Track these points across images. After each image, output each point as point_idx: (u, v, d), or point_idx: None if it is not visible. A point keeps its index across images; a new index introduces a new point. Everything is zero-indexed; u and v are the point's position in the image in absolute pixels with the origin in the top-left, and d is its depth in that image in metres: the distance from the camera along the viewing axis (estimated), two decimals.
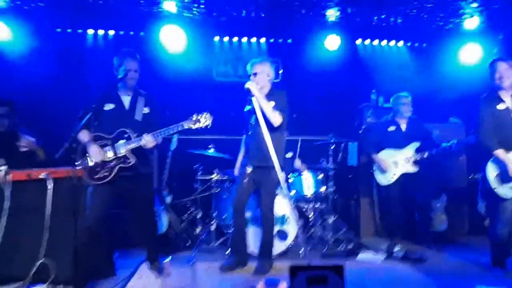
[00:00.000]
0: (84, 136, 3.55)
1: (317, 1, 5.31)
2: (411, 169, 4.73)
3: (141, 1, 5.13)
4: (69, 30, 5.67)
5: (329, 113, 5.78)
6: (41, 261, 3.28)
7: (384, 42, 6.30)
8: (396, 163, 4.77)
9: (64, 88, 5.17)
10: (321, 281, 1.87)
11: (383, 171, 4.78)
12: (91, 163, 3.51)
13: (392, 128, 4.89)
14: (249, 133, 4.10)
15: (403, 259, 4.43)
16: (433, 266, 4.22)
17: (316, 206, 4.97)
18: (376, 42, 6.29)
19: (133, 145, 3.59)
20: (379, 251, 4.67)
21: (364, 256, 4.56)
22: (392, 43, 6.31)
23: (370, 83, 5.97)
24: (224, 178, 5.04)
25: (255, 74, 4.02)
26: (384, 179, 4.78)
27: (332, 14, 5.56)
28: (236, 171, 4.35)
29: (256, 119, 3.78)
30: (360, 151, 5.59)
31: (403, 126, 4.88)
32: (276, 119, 3.90)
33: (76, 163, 3.43)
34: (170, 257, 4.07)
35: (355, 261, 4.42)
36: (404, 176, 4.73)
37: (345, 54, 6.03)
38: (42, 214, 3.29)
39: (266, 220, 4.09)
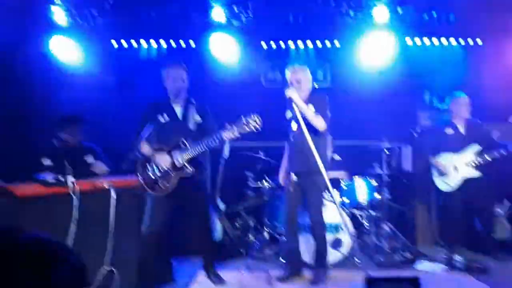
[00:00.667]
0: (145, 149, 3.67)
1: (365, 2, 5.22)
2: (474, 173, 4.52)
3: (191, 13, 5.24)
4: (125, 45, 5.88)
5: (381, 116, 5.61)
6: (105, 268, 3.40)
7: (436, 41, 6.08)
8: (456, 168, 4.58)
9: (123, 99, 5.36)
10: None
11: (443, 176, 4.60)
12: (151, 175, 3.62)
13: (450, 131, 4.71)
14: (291, 140, 4.04)
15: (465, 269, 4.24)
16: (497, 278, 4.01)
17: (371, 213, 4.85)
18: (427, 41, 6.07)
19: (190, 155, 3.66)
20: (438, 260, 4.49)
21: (422, 265, 4.41)
22: (445, 41, 6.07)
23: (422, 83, 5.78)
24: (276, 186, 5.03)
25: (297, 80, 3.97)
26: (445, 184, 4.60)
27: (381, 14, 5.43)
28: (281, 180, 4.30)
29: (298, 126, 3.75)
30: (415, 155, 5.41)
31: (462, 129, 4.69)
32: (320, 123, 3.86)
33: (138, 175, 3.55)
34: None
35: (413, 271, 4.27)
36: (466, 181, 4.53)
37: (396, 54, 5.86)
38: (106, 222, 3.43)
39: (316, 228, 4.04)
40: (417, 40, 6.04)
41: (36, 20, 5.03)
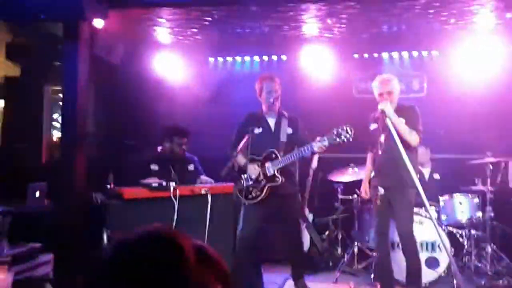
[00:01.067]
0: (240, 159, 3.85)
1: (467, 9, 4.92)
2: None
3: (284, 27, 5.37)
4: (220, 59, 6.23)
5: (485, 127, 5.21)
6: None
7: None
8: None
9: (220, 112, 5.66)
10: None
11: None
12: (246, 183, 3.78)
13: None
14: (379, 152, 3.91)
15: None
16: None
17: (472, 232, 4.52)
18: None
19: (281, 165, 3.76)
20: None
21: None
22: None
23: None
24: (366, 198, 4.92)
25: (389, 93, 3.82)
26: None
27: (485, 21, 5.08)
28: (364, 193, 4.16)
29: (389, 138, 3.62)
30: None
31: None
32: (415, 139, 3.71)
33: (234, 184, 3.72)
34: None
35: None
36: None
37: (501, 62, 5.43)
38: (203, 226, 3.64)
39: (407, 244, 3.85)
40: None
41: (142, 39, 5.54)
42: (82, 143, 3.66)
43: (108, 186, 3.53)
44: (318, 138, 3.59)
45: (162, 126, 4.52)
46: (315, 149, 3.59)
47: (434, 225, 3.48)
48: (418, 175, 5.00)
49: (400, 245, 4.05)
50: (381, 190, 3.84)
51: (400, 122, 3.70)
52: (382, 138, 3.81)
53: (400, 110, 3.82)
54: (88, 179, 3.93)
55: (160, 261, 0.72)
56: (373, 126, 3.98)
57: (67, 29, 3.67)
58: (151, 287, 0.70)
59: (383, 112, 3.65)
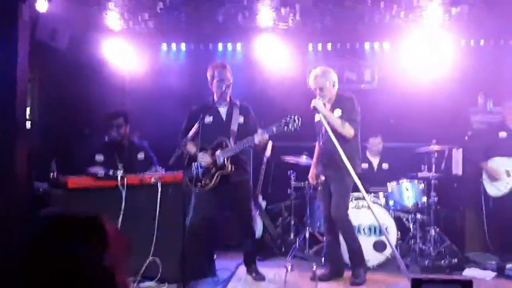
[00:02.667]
0: (190, 148, 3.81)
1: (416, 3, 5.07)
2: None
3: (239, 16, 5.33)
4: (173, 46, 6.11)
5: (431, 118, 5.43)
6: (150, 259, 3.55)
7: (492, 42, 5.80)
8: (508, 173, 4.36)
9: (171, 100, 5.56)
10: None
11: (494, 181, 4.40)
12: (196, 171, 3.75)
13: (503, 134, 4.49)
14: (320, 143, 4.07)
15: None
16: None
17: (417, 217, 4.71)
18: (482, 42, 5.82)
19: (231, 153, 3.76)
20: (487, 267, 4.29)
21: (470, 272, 4.23)
22: (502, 42, 5.78)
23: (477, 85, 5.53)
24: (318, 185, 5.01)
25: (320, 88, 3.94)
26: (495, 189, 4.40)
27: (433, 15, 5.26)
28: (311, 180, 4.34)
29: (326, 130, 3.74)
30: (465, 159, 5.19)
31: None
32: (348, 131, 3.84)
33: (184, 172, 3.68)
34: None
35: (460, 277, 4.10)
36: None
37: (449, 56, 5.65)
38: (153, 215, 3.59)
39: (343, 227, 4.00)
40: (472, 41, 5.81)
41: (91, 25, 5.33)
42: (22, 131, 3.49)
43: (51, 175, 3.40)
44: (259, 131, 3.67)
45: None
46: (256, 141, 3.66)
47: (372, 212, 3.61)
48: (368, 165, 5.20)
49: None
50: (322, 178, 4.03)
51: (332, 116, 3.84)
52: (323, 129, 3.92)
53: (338, 102, 3.95)
54: (30, 168, 3.76)
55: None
56: (316, 117, 4.08)
57: (3, 11, 3.46)
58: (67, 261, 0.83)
59: (314, 108, 3.76)
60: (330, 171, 3.96)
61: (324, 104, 3.91)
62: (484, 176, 4.51)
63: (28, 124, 4.32)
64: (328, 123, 3.76)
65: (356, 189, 3.79)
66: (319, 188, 4.10)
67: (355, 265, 4.00)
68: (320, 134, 4.06)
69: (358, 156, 4.02)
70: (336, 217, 3.96)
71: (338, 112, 3.91)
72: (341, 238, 4.09)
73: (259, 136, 3.63)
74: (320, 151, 4.13)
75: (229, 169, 3.76)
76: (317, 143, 4.24)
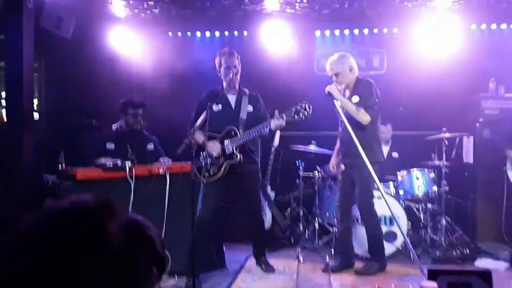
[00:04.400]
0: (199, 137, 3.75)
1: None
2: None
3: (245, 1, 5.23)
4: (179, 34, 6.02)
5: (441, 105, 5.32)
6: None
7: (504, 26, 5.67)
8: None
9: (176, 87, 5.50)
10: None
11: None
12: (205, 161, 3.69)
13: None
14: (339, 130, 4.01)
15: None
16: None
17: (428, 206, 4.66)
18: (494, 26, 5.68)
19: (241, 142, 3.70)
20: (500, 257, 4.24)
21: (483, 262, 4.18)
22: None
23: (488, 71, 5.41)
24: (326, 175, 4.97)
25: (336, 74, 3.86)
26: None
27: None
28: (331, 167, 4.31)
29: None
30: (485, 147, 5.06)
31: None
32: (363, 118, 3.76)
33: (192, 162, 3.62)
34: None
35: (472, 268, 4.06)
36: None
37: (459, 41, 5.53)
38: (161, 207, 3.55)
39: (367, 217, 3.97)
40: (483, 25, 5.67)
41: (96, 12, 5.25)
42: (29, 121, 3.45)
43: (60, 167, 3.36)
44: (276, 116, 3.55)
45: (118, 103, 4.32)
46: (272, 127, 3.57)
47: (385, 200, 3.53)
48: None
49: (360, 219, 4.15)
50: (342, 167, 3.97)
51: (347, 102, 3.76)
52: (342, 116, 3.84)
53: (356, 87, 3.87)
54: (39, 160, 3.73)
55: (75, 238, 0.67)
56: (337, 104, 3.99)
57: (9, 1, 3.40)
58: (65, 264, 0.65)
59: (329, 94, 3.67)
60: (349, 159, 3.91)
61: (344, 91, 3.84)
62: (509, 165, 4.43)
63: (35, 115, 4.28)
64: (343, 109, 3.67)
65: None
66: (339, 177, 4.02)
67: (373, 258, 3.95)
68: (339, 121, 3.99)
69: (376, 143, 3.93)
70: (361, 206, 3.94)
71: (355, 98, 3.82)
72: (355, 228, 4.06)
73: (276, 121, 3.53)
74: (340, 139, 4.08)
75: (238, 158, 3.70)
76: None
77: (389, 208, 3.48)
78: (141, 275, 0.72)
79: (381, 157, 3.99)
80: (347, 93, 3.91)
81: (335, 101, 3.69)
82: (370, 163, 3.38)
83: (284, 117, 3.52)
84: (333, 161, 4.29)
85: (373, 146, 3.82)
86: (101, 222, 0.70)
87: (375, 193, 4.04)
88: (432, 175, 4.65)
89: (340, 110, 3.61)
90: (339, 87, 3.83)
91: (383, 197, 3.51)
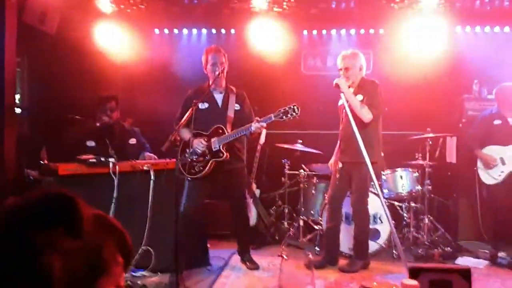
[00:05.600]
0: (185, 134, 3.74)
1: None
2: None
3: (233, 0, 5.23)
4: (166, 31, 5.99)
5: (426, 106, 5.40)
6: (143, 248, 3.51)
7: (487, 29, 5.76)
8: (503, 160, 4.35)
9: (162, 84, 5.47)
10: (445, 285, 1.71)
11: (489, 168, 4.40)
12: (190, 158, 3.69)
13: (498, 122, 4.47)
14: (340, 128, 4.02)
15: (509, 266, 4.05)
16: None
17: (411, 205, 4.71)
18: (478, 28, 5.77)
19: (228, 140, 3.70)
20: (480, 256, 4.32)
21: (463, 260, 4.25)
22: (497, 29, 5.74)
23: (472, 73, 5.50)
24: (312, 173, 5.00)
25: (346, 69, 3.90)
26: (490, 177, 4.39)
27: (429, 1, 5.19)
28: (330, 166, 4.28)
29: (347, 114, 3.68)
30: (460, 146, 5.18)
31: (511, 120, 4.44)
32: (366, 115, 3.77)
33: (178, 159, 3.61)
34: None
35: (455, 265, 4.12)
36: None
37: (444, 43, 5.61)
38: (145, 203, 3.53)
39: (357, 218, 4.00)
40: (468, 27, 5.76)
41: (82, 8, 5.19)
42: (11, 117, 3.40)
43: (42, 162, 3.32)
44: (256, 119, 3.63)
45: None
46: (253, 129, 3.62)
47: (381, 201, 3.55)
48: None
49: (347, 218, 4.21)
50: (340, 164, 3.97)
51: (352, 97, 3.77)
52: (344, 114, 3.88)
53: (361, 86, 3.90)
54: (20, 155, 3.68)
55: (53, 214, 0.73)
56: (340, 102, 4.03)
57: None
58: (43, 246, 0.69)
59: (337, 86, 3.70)
60: (347, 157, 3.92)
61: (348, 87, 3.87)
62: (479, 164, 4.51)
63: (17, 110, 4.21)
64: (348, 104, 3.64)
65: None
66: (337, 175, 4.00)
67: (356, 256, 3.99)
68: (341, 118, 4.00)
69: (377, 144, 3.94)
70: (355, 204, 3.95)
71: (359, 97, 3.84)
72: (342, 226, 4.09)
73: (257, 124, 3.58)
74: (340, 136, 4.05)
75: (224, 156, 3.71)
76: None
77: (383, 207, 3.50)
78: (107, 259, 0.76)
79: (380, 158, 4.01)
80: (351, 90, 3.92)
81: (341, 94, 3.70)
82: (370, 162, 3.40)
83: (273, 118, 3.57)
84: (333, 159, 4.24)
85: (373, 146, 3.83)
86: (77, 205, 0.75)
87: None
88: (416, 174, 4.71)
89: (345, 104, 3.59)
90: (347, 82, 3.84)
91: (380, 197, 3.51)
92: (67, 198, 0.75)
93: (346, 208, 4.23)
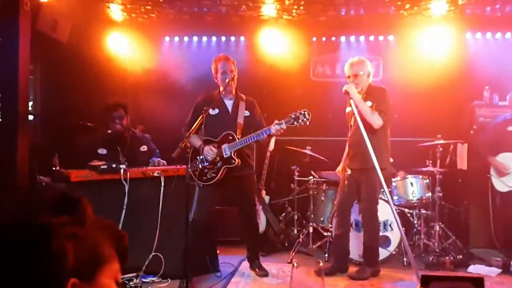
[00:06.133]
0: (195, 141, 3.75)
1: None
2: None
3: (242, 7, 5.27)
4: (176, 39, 6.05)
5: (436, 112, 5.37)
6: (153, 254, 3.52)
7: (498, 35, 5.73)
8: None
9: (172, 91, 5.51)
10: None
11: (501, 176, 4.35)
12: (202, 165, 3.70)
13: (511, 129, 4.43)
14: (349, 135, 4.01)
15: None
16: None
17: (421, 212, 4.68)
18: (489, 35, 5.74)
19: (239, 146, 3.71)
20: (492, 264, 4.26)
21: (475, 268, 4.20)
22: (508, 35, 5.71)
23: (482, 79, 5.47)
24: (321, 180, 4.99)
25: (355, 76, 3.91)
26: (503, 185, 4.35)
27: (439, 7, 5.19)
28: (338, 172, 4.28)
29: (356, 121, 3.68)
30: (471, 153, 5.13)
31: None
32: (376, 121, 3.77)
33: (189, 166, 3.62)
34: None
35: (466, 274, 4.07)
36: None
37: (454, 49, 5.59)
38: (156, 209, 3.55)
39: (367, 225, 3.97)
40: (478, 34, 5.73)
41: (93, 16, 5.26)
42: (24, 123, 3.45)
43: (54, 169, 3.36)
44: (276, 121, 3.59)
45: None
46: (273, 131, 3.59)
47: (391, 207, 3.53)
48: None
49: (357, 225, 4.19)
50: (348, 171, 3.95)
51: (363, 103, 3.76)
52: (352, 120, 3.88)
53: (369, 93, 3.90)
54: (33, 162, 3.73)
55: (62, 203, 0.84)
56: (348, 109, 4.04)
57: (4, 1, 3.41)
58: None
59: (346, 93, 3.71)
60: (356, 164, 3.90)
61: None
62: (492, 171, 4.47)
63: (30, 117, 4.27)
64: (358, 111, 3.64)
65: None
66: (345, 181, 3.98)
67: (366, 264, 3.96)
68: (349, 125, 3.99)
69: (386, 150, 3.93)
70: (364, 211, 3.93)
71: (368, 103, 3.84)
72: (351, 234, 4.07)
73: (276, 126, 3.55)
74: (349, 143, 4.03)
75: (236, 163, 3.71)
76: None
77: (393, 214, 3.49)
78: (107, 252, 0.84)
79: (388, 164, 3.99)
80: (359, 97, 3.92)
81: (351, 101, 3.70)
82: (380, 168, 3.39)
83: (284, 123, 3.55)
84: (341, 166, 4.25)
85: (382, 152, 3.81)
86: (82, 200, 0.86)
87: None
88: (426, 181, 4.68)
89: (355, 110, 3.58)
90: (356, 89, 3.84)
91: (390, 204, 3.50)
92: (73, 195, 0.85)
93: (355, 215, 4.21)
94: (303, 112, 3.53)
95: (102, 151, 4.02)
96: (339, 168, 4.24)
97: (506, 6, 5.12)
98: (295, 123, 3.53)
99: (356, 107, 3.64)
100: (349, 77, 3.92)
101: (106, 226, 0.88)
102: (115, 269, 0.86)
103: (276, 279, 3.91)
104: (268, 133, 3.62)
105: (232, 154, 3.71)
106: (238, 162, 3.70)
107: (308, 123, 3.54)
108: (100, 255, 0.83)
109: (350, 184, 3.96)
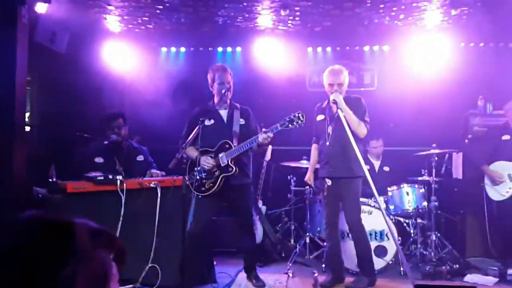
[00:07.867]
0: (192, 152, 3.76)
1: (416, 5, 5.06)
2: None
3: (238, 19, 5.32)
4: (173, 49, 6.09)
5: (431, 122, 5.42)
6: (150, 265, 3.51)
7: (491, 44, 5.80)
8: (511, 176, 4.34)
9: (170, 103, 5.52)
10: None
11: (496, 185, 4.38)
12: (199, 176, 3.70)
13: (506, 137, 4.47)
14: (327, 143, 3.96)
15: None
16: None
17: (418, 221, 4.69)
18: (482, 44, 5.81)
19: (235, 154, 3.71)
20: (489, 273, 4.27)
21: (472, 278, 4.20)
22: (501, 45, 5.78)
23: (476, 89, 5.52)
24: (318, 189, 4.99)
25: (340, 84, 3.89)
26: (497, 194, 4.37)
27: (433, 17, 5.25)
28: (308, 180, 4.25)
29: (337, 129, 3.70)
30: (466, 162, 5.17)
31: None
32: (362, 130, 3.80)
33: (186, 177, 3.62)
34: None
35: (462, 283, 4.08)
36: None
37: (448, 59, 5.65)
38: (152, 220, 3.54)
39: (357, 232, 3.97)
40: (472, 43, 5.80)
41: (90, 27, 5.30)
42: (21, 134, 3.45)
43: (50, 180, 3.36)
44: (263, 129, 3.60)
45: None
46: (260, 140, 3.58)
47: (383, 214, 3.56)
48: (368, 167, 5.16)
49: (349, 234, 4.16)
50: (329, 182, 3.90)
51: (351, 112, 3.77)
52: (330, 129, 3.87)
53: (347, 102, 3.87)
54: (29, 173, 3.72)
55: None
56: (320, 117, 4.03)
57: (3, 13, 3.43)
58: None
59: (335, 102, 3.71)
60: (339, 173, 3.87)
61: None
62: (486, 180, 4.50)
63: (27, 128, 4.27)
64: (346, 121, 3.63)
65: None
66: (324, 193, 3.98)
67: (362, 273, 3.96)
68: (325, 134, 3.96)
69: (362, 158, 3.97)
70: (352, 221, 3.92)
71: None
72: (344, 242, 4.06)
73: (263, 135, 3.56)
74: (327, 152, 3.96)
75: (234, 170, 3.70)
76: (315, 145, 4.18)
77: (387, 223, 3.51)
78: (104, 267, 0.86)
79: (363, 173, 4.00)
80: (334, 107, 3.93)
81: (339, 110, 3.69)
82: (358, 177, 3.41)
83: (279, 126, 3.54)
84: (309, 174, 4.22)
85: (361, 160, 3.84)
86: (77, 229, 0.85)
87: (364, 207, 4.07)
88: (422, 190, 4.70)
89: (343, 120, 3.59)
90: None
91: (382, 211, 3.53)
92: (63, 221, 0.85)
93: (341, 224, 4.19)
94: (297, 115, 3.52)
95: (99, 159, 4.03)
96: (308, 177, 4.20)
97: (499, 17, 5.19)
98: (290, 125, 3.52)
99: (344, 116, 3.64)
100: (332, 85, 3.88)
101: (106, 238, 0.89)
102: (114, 274, 0.87)
103: None
104: (256, 141, 3.62)
105: (229, 162, 3.72)
106: (236, 169, 3.70)
107: (302, 125, 3.53)
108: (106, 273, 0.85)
109: (332, 194, 3.93)
